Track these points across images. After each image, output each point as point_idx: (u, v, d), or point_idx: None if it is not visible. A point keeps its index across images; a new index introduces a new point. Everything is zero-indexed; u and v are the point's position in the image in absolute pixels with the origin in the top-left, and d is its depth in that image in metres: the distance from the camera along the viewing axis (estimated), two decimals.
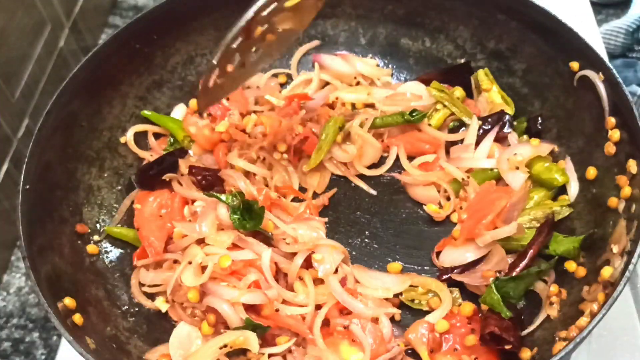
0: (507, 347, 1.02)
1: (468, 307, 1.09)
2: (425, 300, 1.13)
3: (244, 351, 1.07)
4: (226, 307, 1.07)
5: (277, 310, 1.09)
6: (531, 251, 1.11)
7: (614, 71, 1.12)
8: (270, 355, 1.07)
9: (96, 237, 1.21)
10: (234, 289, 1.08)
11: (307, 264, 1.14)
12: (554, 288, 1.10)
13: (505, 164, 1.21)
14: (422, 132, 1.29)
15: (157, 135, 1.35)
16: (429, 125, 1.29)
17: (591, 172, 1.17)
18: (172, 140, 1.34)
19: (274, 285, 1.09)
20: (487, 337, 1.03)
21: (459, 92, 1.32)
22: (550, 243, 1.13)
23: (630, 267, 0.96)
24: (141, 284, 1.18)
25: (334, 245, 1.15)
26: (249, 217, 1.14)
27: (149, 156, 1.31)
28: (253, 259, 1.11)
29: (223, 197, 1.15)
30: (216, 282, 1.09)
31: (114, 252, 1.22)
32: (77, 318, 1.03)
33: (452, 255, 1.16)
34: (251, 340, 1.04)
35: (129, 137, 1.30)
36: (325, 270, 1.11)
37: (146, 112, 1.33)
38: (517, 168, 1.20)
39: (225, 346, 1.03)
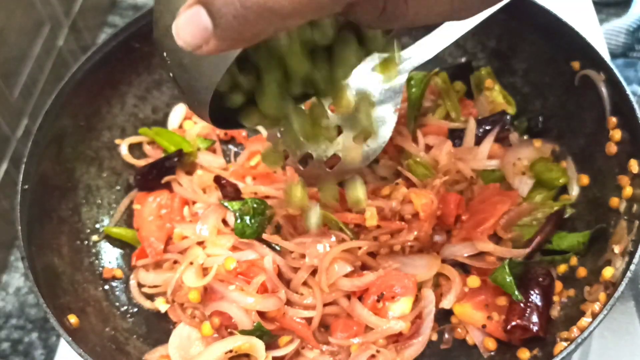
0: (533, 334, 1.03)
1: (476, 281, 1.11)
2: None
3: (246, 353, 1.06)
4: (241, 314, 1.05)
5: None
6: (538, 238, 1.12)
7: (616, 71, 1.12)
8: (274, 358, 1.06)
9: (95, 237, 1.21)
10: (246, 294, 1.06)
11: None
12: (557, 286, 1.09)
13: (510, 168, 1.20)
14: (428, 126, 1.28)
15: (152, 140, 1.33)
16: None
17: (584, 181, 1.17)
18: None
19: (281, 287, 1.09)
20: (512, 331, 1.04)
21: (459, 85, 1.32)
22: (552, 239, 1.13)
23: (632, 267, 0.96)
24: (140, 285, 1.18)
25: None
26: (254, 221, 1.12)
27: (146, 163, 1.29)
28: (255, 260, 1.11)
29: (232, 204, 1.14)
30: (224, 284, 1.08)
31: (113, 252, 1.22)
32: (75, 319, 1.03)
33: (450, 249, 1.15)
34: (258, 347, 1.03)
35: (124, 152, 1.28)
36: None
37: (147, 130, 1.31)
38: (524, 173, 1.20)
39: (230, 351, 1.02)
